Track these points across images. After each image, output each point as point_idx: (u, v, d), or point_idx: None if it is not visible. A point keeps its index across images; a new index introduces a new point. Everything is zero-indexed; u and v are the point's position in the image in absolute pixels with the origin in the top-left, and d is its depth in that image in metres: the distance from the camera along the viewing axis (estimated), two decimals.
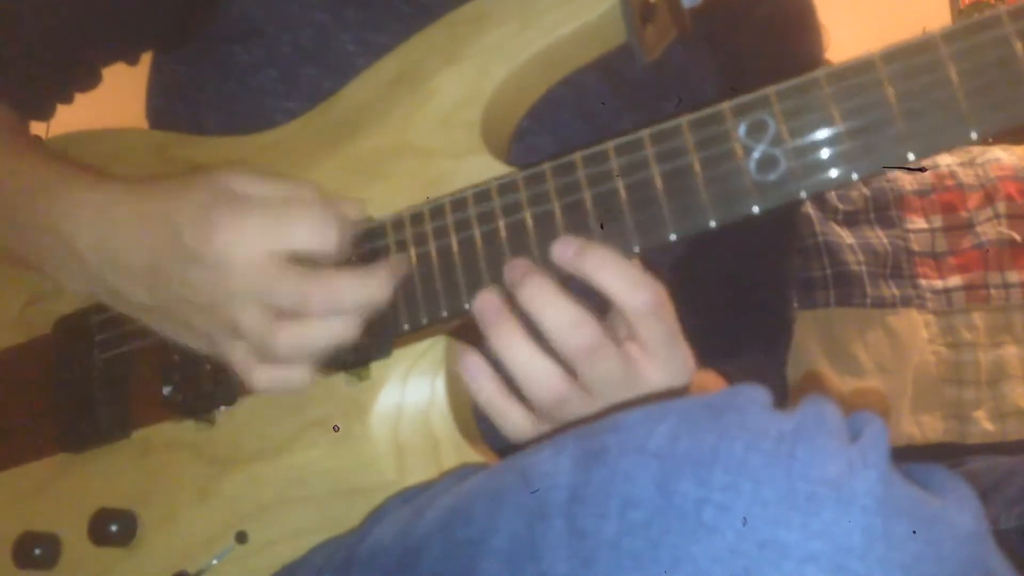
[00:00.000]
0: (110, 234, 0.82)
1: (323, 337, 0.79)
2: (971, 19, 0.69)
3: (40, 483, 0.92)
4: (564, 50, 0.85)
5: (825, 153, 0.71)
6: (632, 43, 0.85)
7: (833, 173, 0.71)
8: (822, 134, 0.71)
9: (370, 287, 0.79)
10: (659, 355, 0.76)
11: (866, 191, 2.38)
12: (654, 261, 1.08)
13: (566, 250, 0.76)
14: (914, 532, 0.52)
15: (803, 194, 0.72)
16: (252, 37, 0.97)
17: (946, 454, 1.01)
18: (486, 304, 0.77)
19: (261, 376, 0.80)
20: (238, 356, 0.80)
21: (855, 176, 0.71)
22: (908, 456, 0.60)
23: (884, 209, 2.42)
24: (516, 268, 0.77)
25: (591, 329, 0.74)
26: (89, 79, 1.05)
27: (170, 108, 1.06)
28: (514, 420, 0.78)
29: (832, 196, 2.33)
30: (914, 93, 0.69)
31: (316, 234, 0.78)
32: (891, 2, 3.34)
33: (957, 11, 3.57)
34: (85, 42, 1.01)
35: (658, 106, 1.01)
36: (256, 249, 0.77)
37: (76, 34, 1.00)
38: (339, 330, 0.79)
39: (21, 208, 0.88)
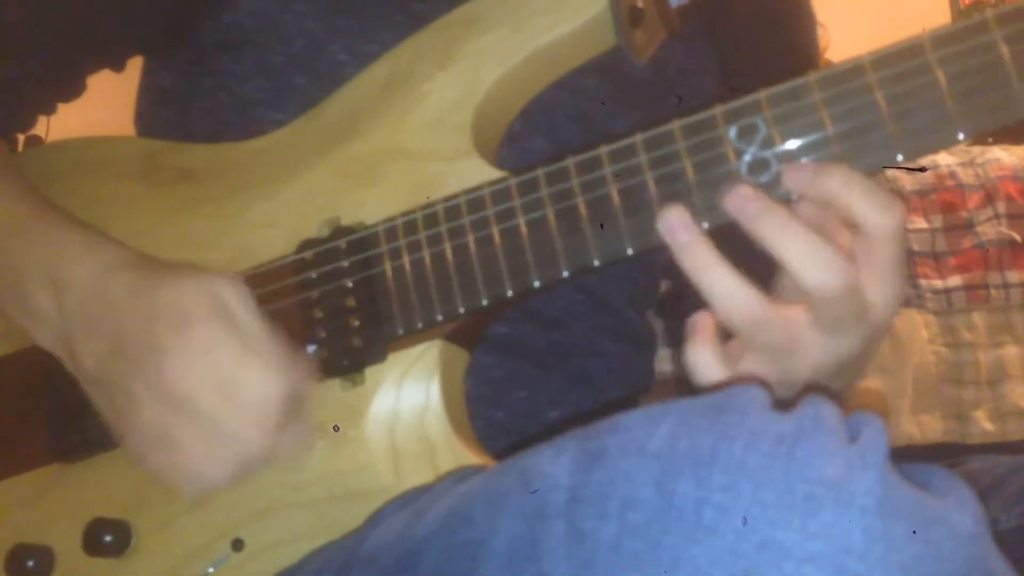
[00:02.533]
0: (99, 296, 0.82)
1: (229, 472, 0.79)
2: (959, 23, 0.69)
3: (32, 494, 0.92)
4: (554, 54, 0.86)
5: (815, 156, 0.72)
6: (622, 47, 0.86)
7: None
8: (812, 137, 0.72)
9: (302, 447, 0.80)
10: (887, 280, 0.71)
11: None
12: (653, 262, 1.08)
13: (801, 174, 0.72)
14: (913, 533, 0.52)
15: (794, 196, 0.72)
16: (243, 47, 0.96)
17: (946, 454, 1.01)
18: (677, 222, 0.73)
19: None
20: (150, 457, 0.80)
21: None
22: (908, 456, 0.59)
23: None
24: (747, 199, 0.72)
25: (845, 271, 0.69)
26: (73, 89, 1.04)
27: (159, 116, 1.05)
28: (726, 289, 0.72)
29: None
30: (902, 96, 0.70)
31: (262, 391, 0.77)
32: (891, 2, 3.34)
33: (957, 11, 3.57)
34: (69, 51, 1.00)
35: (657, 104, 1.01)
36: (211, 370, 0.77)
37: (60, 43, 0.99)
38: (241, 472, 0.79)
39: (12, 246, 0.88)
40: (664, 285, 1.15)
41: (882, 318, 0.72)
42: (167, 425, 0.78)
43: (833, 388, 0.76)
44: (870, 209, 0.69)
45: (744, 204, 0.71)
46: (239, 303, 0.80)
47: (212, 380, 0.77)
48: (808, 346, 0.72)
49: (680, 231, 0.72)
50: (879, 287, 0.71)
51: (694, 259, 0.72)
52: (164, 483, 0.81)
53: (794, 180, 0.72)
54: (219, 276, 0.82)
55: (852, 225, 0.71)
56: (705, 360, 0.74)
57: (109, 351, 0.81)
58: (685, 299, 1.13)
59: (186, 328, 0.78)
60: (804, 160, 0.72)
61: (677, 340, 1.17)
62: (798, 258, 0.69)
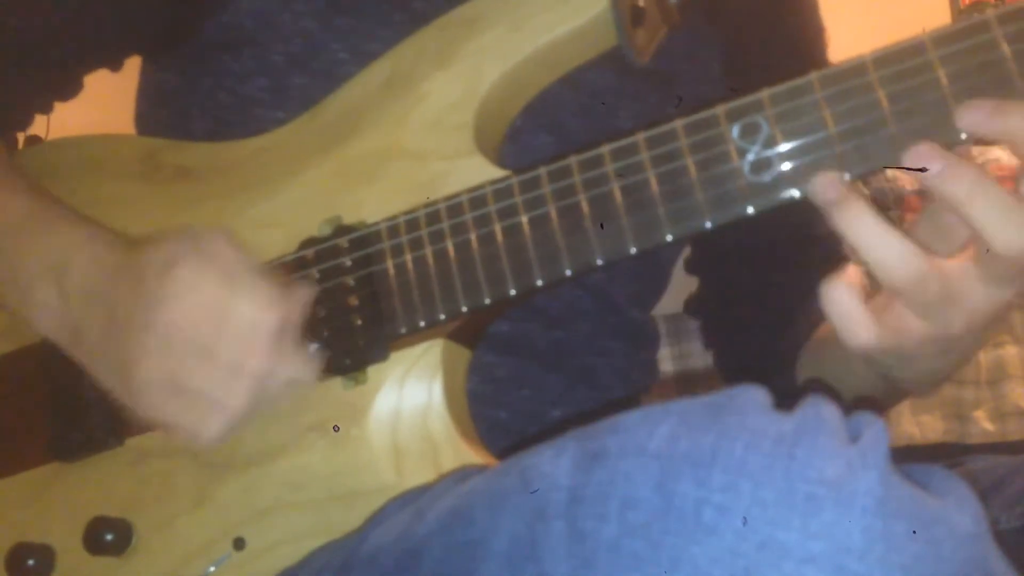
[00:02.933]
0: (96, 280, 0.83)
1: (244, 394, 0.78)
2: (961, 23, 0.69)
3: (33, 493, 0.92)
4: (555, 53, 0.86)
5: (818, 155, 0.72)
6: (623, 46, 0.86)
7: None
8: (814, 136, 0.72)
9: (304, 368, 0.80)
10: None
11: (866, 191, 2.38)
12: (660, 260, 1.08)
13: (979, 112, 0.69)
14: (914, 533, 0.52)
15: (797, 195, 0.72)
16: (242, 46, 0.96)
17: (946, 454, 1.01)
18: (825, 181, 0.71)
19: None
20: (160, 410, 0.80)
21: (847, 177, 0.72)
22: (908, 456, 0.59)
23: (884, 209, 2.41)
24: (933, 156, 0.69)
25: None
26: (70, 88, 1.04)
27: (159, 116, 1.05)
28: (886, 244, 0.70)
29: None
30: (904, 95, 0.70)
31: (257, 310, 0.77)
32: (891, 2, 3.34)
33: (957, 11, 3.57)
34: (65, 50, 1.00)
35: (662, 95, 1.01)
36: (203, 299, 0.77)
37: (56, 42, 0.99)
38: (255, 396, 0.79)
39: (13, 238, 0.88)
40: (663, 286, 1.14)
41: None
42: (170, 370, 0.78)
43: (969, 348, 0.76)
44: None
45: (826, 189, 0.71)
46: (220, 241, 0.80)
47: (202, 313, 0.77)
48: (970, 298, 0.70)
49: (829, 189, 0.71)
50: None
51: (848, 216, 0.70)
52: (187, 434, 0.80)
53: (968, 122, 0.69)
54: (199, 226, 0.82)
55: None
56: (851, 305, 0.72)
57: (108, 320, 0.81)
58: (721, 297, 1.13)
59: (169, 271, 0.78)
60: (797, 162, 0.72)
61: (716, 340, 1.17)
62: (991, 218, 0.67)
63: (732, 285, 1.13)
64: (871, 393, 0.92)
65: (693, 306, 1.17)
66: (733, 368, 1.17)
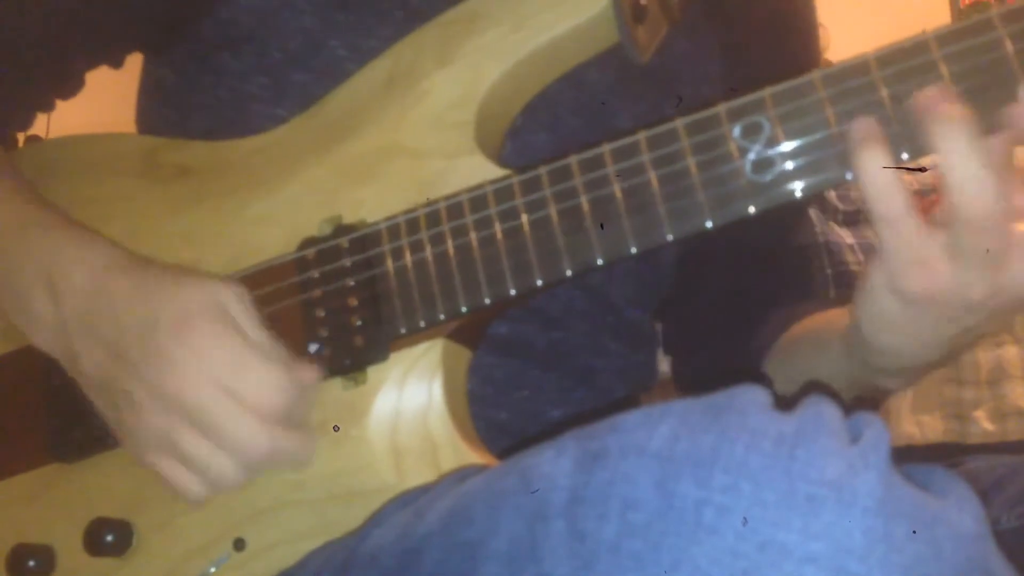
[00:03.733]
0: (96, 298, 0.83)
1: (235, 473, 0.79)
2: (964, 22, 0.69)
3: (33, 493, 0.92)
4: (557, 51, 0.85)
5: (820, 154, 0.72)
6: (625, 44, 0.86)
7: (828, 174, 0.72)
8: (817, 135, 0.72)
9: (303, 452, 0.81)
10: None
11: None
12: (661, 260, 1.07)
13: None
14: (914, 533, 0.52)
15: (799, 195, 0.72)
16: (242, 44, 0.96)
17: (946, 454, 1.01)
18: (940, 93, 0.69)
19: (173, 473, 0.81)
20: (153, 458, 0.81)
21: (850, 176, 0.72)
22: (908, 456, 0.59)
23: None
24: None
25: None
26: (71, 86, 1.04)
27: (159, 114, 1.05)
28: (975, 170, 0.67)
29: (832, 196, 2.33)
30: (907, 95, 0.70)
31: (265, 393, 0.78)
32: (891, 2, 3.34)
33: (957, 11, 3.57)
34: (66, 48, 1.00)
35: (661, 94, 1.00)
36: (212, 374, 0.78)
37: (57, 40, 0.99)
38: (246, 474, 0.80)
39: (10, 252, 0.88)
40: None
41: None
42: (169, 430, 0.79)
43: (968, 334, 0.75)
44: None
45: (944, 99, 0.68)
46: (238, 306, 0.81)
47: (212, 384, 0.77)
48: (1011, 264, 0.69)
49: (942, 103, 0.68)
50: None
51: (951, 130, 0.67)
52: (167, 487, 0.81)
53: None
54: (218, 280, 0.82)
55: None
56: (889, 178, 0.70)
57: (109, 355, 0.81)
58: (688, 303, 1.13)
59: (186, 332, 0.78)
60: (799, 162, 0.72)
61: (676, 347, 1.16)
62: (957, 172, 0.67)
63: (698, 289, 1.12)
64: (842, 390, 0.90)
65: (659, 308, 1.17)
66: (687, 376, 1.16)
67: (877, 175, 0.69)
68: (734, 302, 1.11)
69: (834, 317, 0.97)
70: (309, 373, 0.81)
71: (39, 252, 0.86)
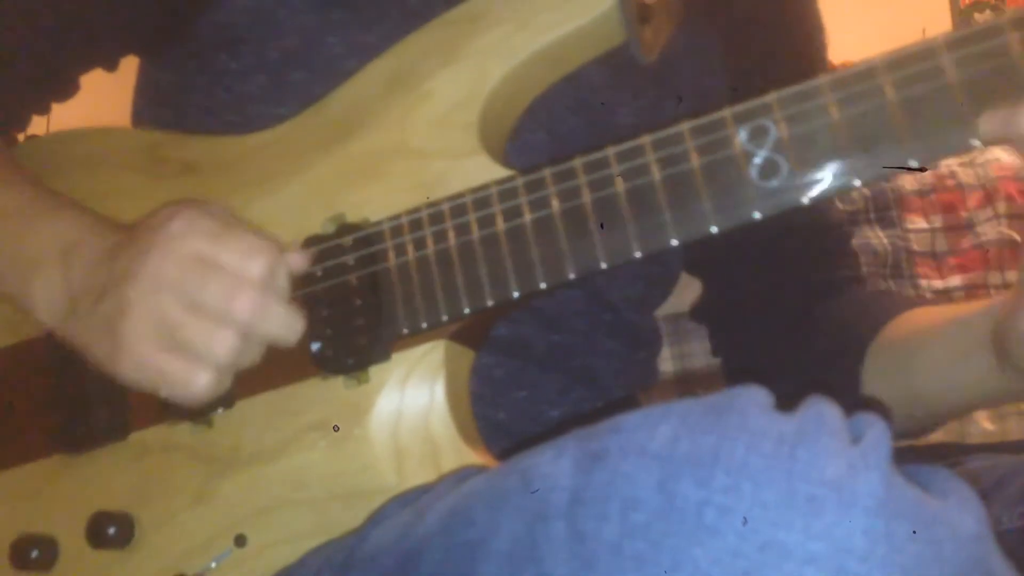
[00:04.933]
0: (99, 263, 0.83)
1: (229, 341, 0.79)
2: (973, 27, 0.69)
3: (37, 485, 0.92)
4: (562, 51, 0.85)
5: (827, 159, 0.71)
6: (632, 44, 0.85)
7: (835, 179, 0.72)
8: (823, 140, 0.71)
9: (289, 321, 0.80)
10: None
11: (866, 191, 2.39)
12: (668, 261, 1.07)
13: (995, 120, 0.68)
14: (915, 533, 0.52)
15: (805, 200, 0.72)
16: (238, 44, 0.96)
17: (946, 454, 1.01)
18: None
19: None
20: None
21: (857, 182, 0.71)
22: (908, 456, 0.59)
23: (884, 209, 2.42)
24: None
25: None
26: (66, 89, 1.04)
27: (156, 115, 1.05)
28: None
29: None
30: (916, 100, 0.69)
31: (248, 256, 0.78)
32: (891, 2, 3.34)
33: (957, 11, 3.57)
34: (60, 50, 1.00)
35: (660, 93, 1.00)
36: (193, 245, 0.78)
37: (51, 42, 0.99)
38: (240, 345, 0.79)
39: (15, 228, 0.88)
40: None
41: None
42: (156, 319, 0.78)
43: None
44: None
45: None
46: (215, 207, 0.82)
47: (189, 261, 0.78)
48: None
49: None
50: None
51: None
52: (175, 388, 0.80)
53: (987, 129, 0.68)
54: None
55: None
56: None
57: (100, 288, 0.82)
58: (726, 299, 1.12)
59: (164, 225, 0.80)
60: (806, 167, 0.72)
61: (725, 346, 1.15)
62: None
63: (737, 286, 1.11)
64: (991, 395, 0.89)
65: (699, 313, 1.16)
66: (741, 373, 1.14)
67: None
68: (777, 294, 1.10)
69: (959, 316, 0.93)
70: (296, 258, 0.82)
71: (49, 233, 0.87)
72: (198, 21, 0.97)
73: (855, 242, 2.22)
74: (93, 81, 1.06)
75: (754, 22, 1.09)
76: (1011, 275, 2.43)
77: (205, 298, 0.77)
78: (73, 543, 0.88)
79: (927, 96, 0.69)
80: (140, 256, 0.79)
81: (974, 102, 0.68)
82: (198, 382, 0.79)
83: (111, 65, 1.05)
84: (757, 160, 0.73)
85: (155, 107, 1.06)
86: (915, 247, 2.43)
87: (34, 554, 0.88)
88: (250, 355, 0.80)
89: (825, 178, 0.72)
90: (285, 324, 0.80)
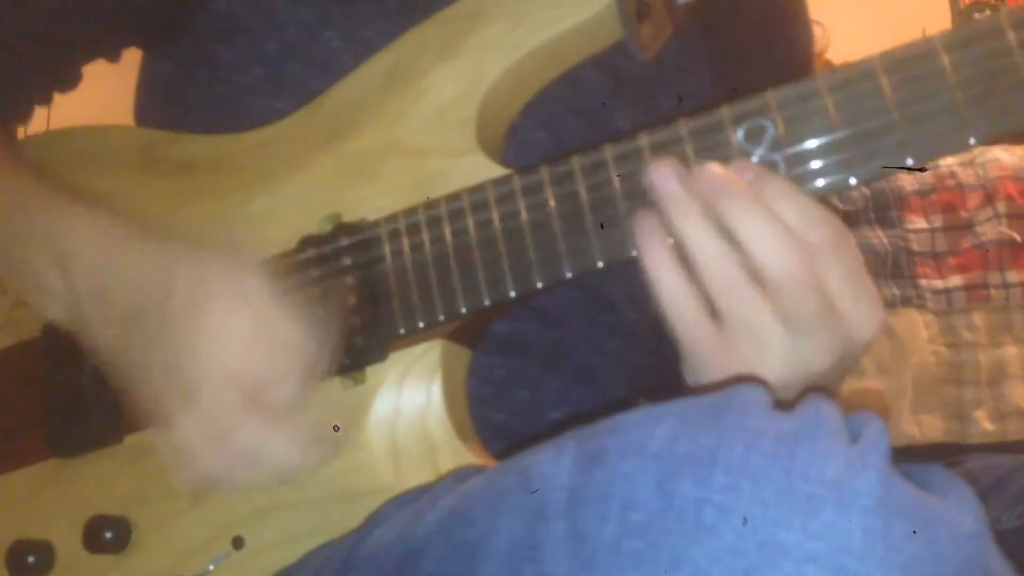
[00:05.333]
0: (108, 269, 0.82)
1: (216, 466, 0.78)
2: (972, 26, 0.69)
3: (32, 489, 0.92)
4: (559, 48, 0.85)
5: (824, 158, 0.71)
6: (629, 41, 0.85)
7: (832, 178, 0.72)
8: (821, 139, 0.71)
9: (291, 461, 0.78)
10: (846, 296, 0.69)
11: (866, 191, 2.39)
12: None
13: (744, 173, 0.70)
14: (914, 532, 0.52)
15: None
16: (237, 35, 0.96)
17: (946, 454, 1.01)
18: (665, 177, 0.71)
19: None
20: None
21: (854, 181, 0.71)
22: (908, 456, 0.59)
23: (884, 209, 2.42)
24: (713, 177, 0.71)
25: (799, 257, 0.68)
26: (69, 79, 1.04)
27: (158, 108, 1.05)
28: (712, 245, 0.70)
29: (832, 196, 2.33)
30: (914, 100, 0.69)
31: (276, 378, 0.77)
32: (891, 2, 3.34)
33: (957, 11, 3.57)
34: (64, 41, 1.00)
35: (655, 101, 1.01)
36: (225, 354, 0.76)
37: (54, 32, 0.99)
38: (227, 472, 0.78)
39: (17, 223, 0.88)
40: None
41: (856, 337, 0.71)
42: (170, 412, 0.78)
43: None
44: (798, 223, 0.69)
45: (713, 180, 0.70)
46: (257, 284, 0.79)
47: (221, 368, 0.76)
48: (768, 338, 0.70)
49: (668, 179, 0.71)
50: (839, 301, 0.69)
51: (682, 208, 0.70)
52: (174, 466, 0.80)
53: (726, 179, 0.70)
54: (242, 262, 0.81)
55: None
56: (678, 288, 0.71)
57: (125, 319, 0.80)
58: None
59: (201, 305, 0.77)
60: (802, 166, 0.72)
61: None
62: (760, 236, 0.68)
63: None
64: None
65: None
66: None
67: (663, 279, 0.71)
68: None
69: None
70: (327, 357, 0.80)
71: (46, 224, 0.86)
72: (199, 11, 0.97)
73: (855, 242, 2.21)
74: (95, 76, 1.06)
75: (742, 37, 1.09)
76: (1011, 275, 2.43)
77: (210, 415, 0.76)
78: (69, 548, 0.88)
79: (925, 96, 0.69)
80: (171, 329, 0.77)
81: (972, 102, 0.68)
82: (180, 479, 0.80)
83: (114, 56, 1.05)
84: (754, 159, 0.73)
85: (156, 100, 1.06)
86: (915, 247, 2.44)
87: (30, 560, 0.87)
88: (244, 483, 0.79)
89: (822, 177, 0.72)
90: (286, 461, 0.78)
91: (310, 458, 0.79)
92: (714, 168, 0.71)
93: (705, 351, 0.72)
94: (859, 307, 0.70)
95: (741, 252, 0.69)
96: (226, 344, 0.77)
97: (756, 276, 0.69)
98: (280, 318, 0.78)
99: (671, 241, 0.71)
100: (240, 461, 0.78)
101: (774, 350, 0.70)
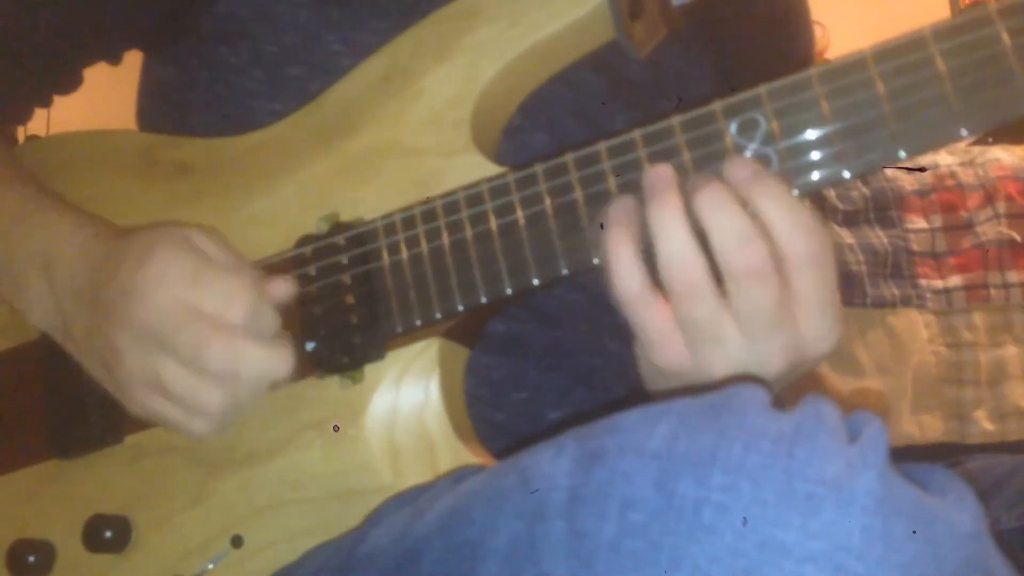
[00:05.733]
0: (87, 271, 0.83)
1: (216, 394, 0.79)
2: (961, 16, 0.69)
3: (32, 489, 0.92)
4: (554, 47, 0.85)
5: (816, 151, 0.72)
6: (621, 39, 0.85)
7: (825, 171, 0.72)
8: (813, 133, 0.72)
9: (272, 362, 0.79)
10: (811, 308, 0.70)
11: (866, 191, 2.39)
12: None
13: (742, 170, 0.71)
14: (913, 532, 0.52)
15: (795, 192, 0.72)
16: (238, 38, 0.96)
17: (946, 454, 1.01)
18: (659, 176, 0.72)
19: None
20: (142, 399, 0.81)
21: (847, 174, 0.71)
22: (908, 456, 0.59)
23: (884, 209, 2.42)
24: (702, 175, 0.71)
25: (760, 252, 0.68)
26: (69, 81, 1.04)
27: (159, 111, 1.05)
28: (681, 245, 0.70)
29: (832, 196, 2.33)
30: (905, 91, 0.70)
31: (227, 301, 0.78)
32: (891, 2, 3.34)
33: (957, 11, 3.57)
34: (64, 43, 1.00)
35: (654, 104, 1.01)
36: (170, 292, 0.77)
37: (55, 35, 0.99)
38: (229, 394, 0.79)
39: (7, 230, 0.89)
40: None
41: (811, 350, 0.71)
42: (148, 364, 0.79)
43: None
44: (785, 230, 0.69)
45: (656, 179, 0.71)
46: (200, 235, 0.81)
47: (172, 303, 0.77)
48: (725, 338, 0.70)
49: (659, 184, 0.71)
50: (803, 311, 0.70)
51: (662, 210, 0.70)
52: (178, 430, 0.81)
53: (731, 174, 0.71)
54: (187, 224, 0.82)
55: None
56: (627, 263, 0.72)
57: (93, 313, 0.82)
58: None
59: (145, 261, 0.79)
60: (795, 159, 0.72)
61: None
62: (724, 230, 0.69)
63: None
64: None
65: None
66: None
67: (619, 261, 0.72)
68: None
69: None
70: (282, 284, 0.81)
71: (37, 234, 0.87)
72: (200, 14, 0.97)
73: (855, 242, 2.22)
74: (95, 79, 1.06)
75: (744, 42, 1.09)
76: (1011, 275, 2.43)
77: (180, 350, 0.77)
78: (70, 547, 0.88)
79: (916, 86, 0.69)
80: (123, 299, 0.79)
81: (963, 92, 0.68)
82: (195, 429, 0.81)
83: (115, 58, 1.05)
84: (747, 153, 0.73)
85: (157, 103, 1.06)
86: (915, 247, 2.43)
87: (31, 559, 0.87)
88: (249, 395, 0.80)
89: (815, 170, 0.72)
90: (268, 365, 0.79)
91: (287, 362, 0.80)
92: (702, 173, 0.72)
93: (651, 334, 0.73)
94: (821, 322, 0.70)
95: (708, 245, 0.69)
96: (174, 280, 0.78)
97: (719, 271, 0.69)
98: (217, 245, 0.81)
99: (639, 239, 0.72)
100: (225, 381, 0.78)
101: (728, 350, 0.71)
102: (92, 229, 0.87)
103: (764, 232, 0.69)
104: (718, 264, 0.69)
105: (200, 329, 0.77)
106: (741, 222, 0.68)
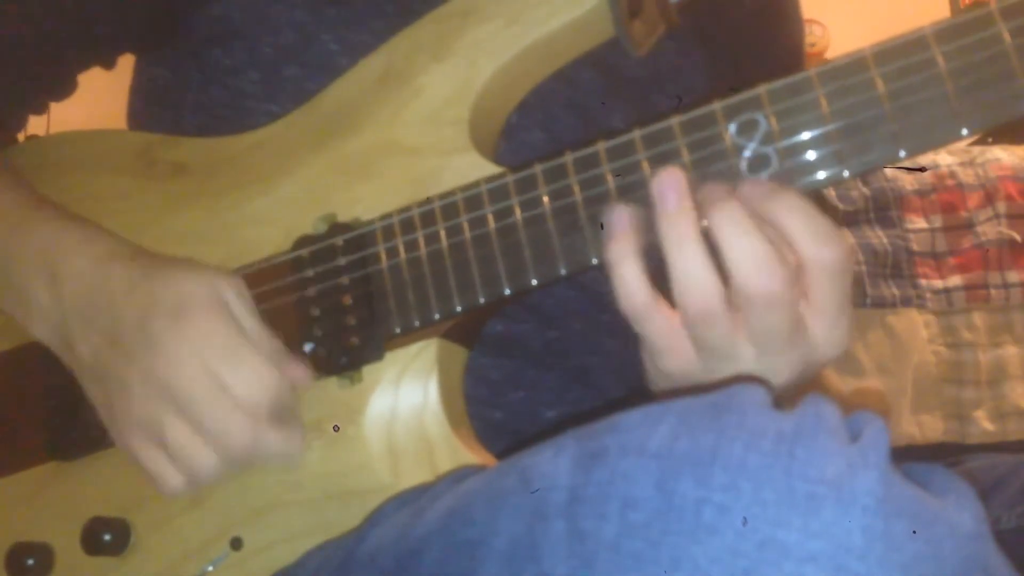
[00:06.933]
0: (97, 289, 0.83)
1: (213, 460, 0.79)
2: (962, 16, 0.69)
3: (31, 492, 0.92)
4: (552, 45, 0.85)
5: (816, 151, 0.71)
6: (621, 37, 0.85)
7: (825, 171, 0.72)
8: (813, 133, 0.71)
9: (287, 446, 0.80)
10: (828, 315, 0.70)
11: (866, 191, 2.39)
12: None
13: (758, 187, 0.70)
14: (914, 532, 0.52)
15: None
16: (233, 39, 0.96)
17: (946, 454, 1.01)
18: (670, 183, 0.70)
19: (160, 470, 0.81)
20: (143, 451, 0.81)
21: (846, 174, 0.71)
22: (908, 456, 0.59)
23: (884, 209, 2.42)
24: (716, 189, 0.70)
25: (778, 277, 0.67)
26: (63, 87, 1.04)
27: (152, 113, 1.05)
28: (695, 270, 0.69)
29: (832, 196, 2.33)
30: (905, 91, 0.69)
31: (254, 387, 0.78)
32: (891, 2, 3.34)
33: (958, 11, 3.57)
34: (58, 49, 1.00)
35: (650, 100, 1.00)
36: (201, 362, 0.78)
37: (48, 41, 0.99)
38: (225, 464, 0.80)
39: (9, 240, 0.88)
40: None
41: (820, 356, 0.71)
42: (155, 415, 0.79)
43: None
44: (807, 242, 0.68)
45: (667, 189, 0.70)
46: (237, 300, 0.81)
47: (202, 372, 0.77)
48: (738, 356, 0.71)
49: (671, 196, 0.70)
50: (819, 321, 0.70)
51: (677, 229, 0.70)
52: (146, 477, 0.81)
53: (750, 192, 0.70)
54: (218, 272, 0.82)
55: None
56: (633, 277, 0.72)
57: (106, 342, 0.81)
58: None
59: (182, 321, 0.78)
60: (795, 159, 0.72)
61: None
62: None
63: None
64: None
65: None
66: None
67: (623, 277, 0.71)
68: None
69: None
70: (301, 373, 0.81)
71: (39, 243, 0.87)
72: (194, 17, 0.97)
73: (855, 242, 2.22)
74: (91, 82, 1.05)
75: (735, 20, 1.09)
76: (1011, 275, 2.43)
77: (196, 419, 0.78)
78: (69, 550, 0.87)
79: (916, 87, 0.69)
80: (148, 349, 0.79)
81: (964, 92, 0.68)
82: (172, 485, 0.81)
83: (109, 63, 1.05)
84: (747, 154, 0.73)
85: (150, 105, 1.06)
86: (915, 247, 2.43)
87: (29, 562, 0.87)
88: (241, 468, 0.81)
89: (815, 170, 0.72)
90: (284, 448, 0.80)
91: (303, 451, 0.81)
92: (716, 185, 0.71)
93: (659, 343, 0.72)
94: (835, 330, 0.71)
95: (723, 263, 0.69)
96: (208, 354, 0.78)
97: (734, 292, 0.69)
98: (249, 311, 0.81)
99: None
100: (236, 461, 0.79)
101: (739, 365, 0.71)
102: (104, 246, 0.86)
103: (783, 244, 0.69)
104: (732, 285, 0.68)
105: (225, 406, 0.77)
106: (760, 247, 0.67)
